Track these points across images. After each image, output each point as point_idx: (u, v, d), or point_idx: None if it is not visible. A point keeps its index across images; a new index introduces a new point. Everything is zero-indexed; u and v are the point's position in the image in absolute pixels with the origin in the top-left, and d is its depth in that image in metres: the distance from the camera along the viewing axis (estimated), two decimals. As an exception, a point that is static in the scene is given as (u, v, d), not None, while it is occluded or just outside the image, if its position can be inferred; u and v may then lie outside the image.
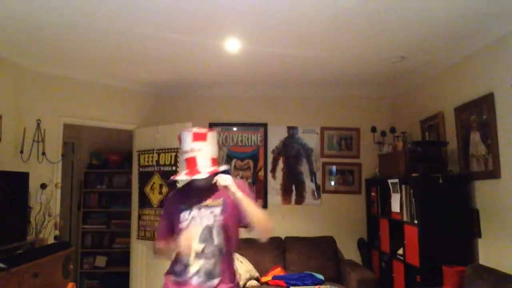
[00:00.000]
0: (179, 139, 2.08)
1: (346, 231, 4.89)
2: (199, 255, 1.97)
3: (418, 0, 2.68)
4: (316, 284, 3.99)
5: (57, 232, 4.04)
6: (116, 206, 5.67)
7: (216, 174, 1.96)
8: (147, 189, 4.54)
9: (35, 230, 3.77)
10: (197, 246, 1.97)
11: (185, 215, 2.02)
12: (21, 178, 3.54)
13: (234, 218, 2.03)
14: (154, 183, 4.48)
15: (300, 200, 4.98)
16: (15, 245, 3.27)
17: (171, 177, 2.09)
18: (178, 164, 4.30)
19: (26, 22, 3.06)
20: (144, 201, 4.55)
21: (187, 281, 1.97)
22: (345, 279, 4.28)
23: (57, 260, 3.44)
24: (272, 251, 4.54)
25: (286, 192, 4.99)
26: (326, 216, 4.94)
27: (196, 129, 2.04)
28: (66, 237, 5.40)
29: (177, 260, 2.05)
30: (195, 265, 1.97)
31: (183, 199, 2.09)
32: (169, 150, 4.39)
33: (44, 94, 4.14)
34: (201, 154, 1.99)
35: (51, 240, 3.89)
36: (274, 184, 4.99)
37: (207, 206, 2.03)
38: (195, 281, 1.96)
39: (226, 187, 1.89)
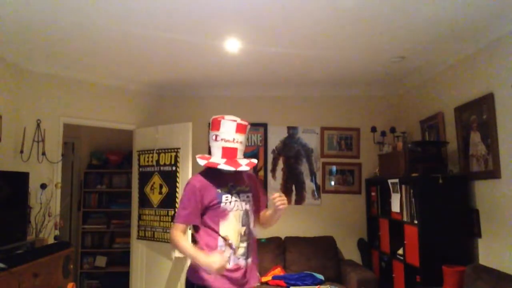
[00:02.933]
0: (216, 122, 2.07)
1: (346, 231, 4.89)
2: (242, 237, 2.05)
3: (418, 1, 2.68)
4: (316, 284, 3.99)
5: (57, 232, 4.04)
6: (116, 206, 5.67)
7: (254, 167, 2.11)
8: (147, 189, 4.54)
9: (35, 230, 3.77)
10: (241, 229, 2.06)
11: (228, 198, 2.05)
12: (21, 178, 3.54)
13: (257, 204, 2.21)
14: (154, 183, 4.48)
15: (300, 200, 4.98)
16: (15, 245, 3.28)
17: (208, 163, 2.03)
18: (177, 160, 4.29)
19: (26, 23, 3.05)
20: (144, 201, 4.55)
21: (238, 266, 2.03)
22: (345, 279, 4.28)
23: (57, 260, 3.44)
24: (272, 251, 4.54)
25: (286, 192, 4.99)
26: (326, 216, 4.95)
27: (239, 120, 2.08)
28: (66, 237, 5.40)
29: (224, 243, 2.04)
30: (241, 248, 2.05)
31: (216, 182, 2.08)
32: (169, 150, 4.39)
33: (44, 94, 4.14)
34: (241, 146, 2.08)
35: (51, 240, 3.89)
36: (274, 184, 4.99)
37: (243, 191, 2.11)
38: (242, 262, 2.05)
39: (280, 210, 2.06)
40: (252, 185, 2.22)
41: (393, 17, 2.95)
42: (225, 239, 2.01)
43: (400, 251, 3.83)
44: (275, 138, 5.05)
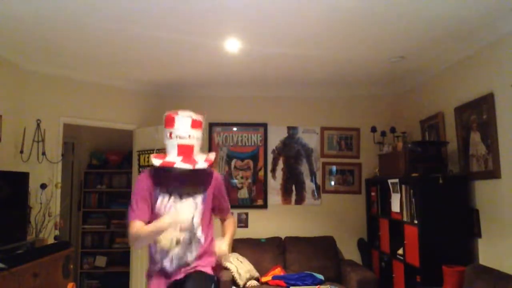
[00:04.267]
0: (170, 119, 1.96)
1: (346, 231, 4.89)
2: (178, 242, 1.95)
3: (418, 0, 2.68)
4: (316, 284, 3.99)
5: (57, 232, 4.04)
6: (116, 206, 5.67)
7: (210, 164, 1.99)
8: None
9: (35, 230, 3.77)
10: (178, 234, 1.94)
11: (164, 201, 1.97)
12: (21, 178, 3.53)
13: (210, 207, 2.09)
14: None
15: (300, 200, 4.98)
16: (15, 245, 3.27)
17: (163, 162, 1.92)
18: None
19: (26, 22, 3.05)
20: (144, 201, 4.55)
21: (164, 268, 1.97)
22: (345, 279, 4.28)
23: (57, 260, 3.44)
24: (272, 251, 4.54)
25: (286, 192, 4.99)
26: (326, 216, 4.94)
27: (193, 115, 1.97)
28: (66, 237, 5.40)
29: (156, 249, 1.99)
30: (173, 251, 1.96)
31: (159, 181, 2.00)
32: (169, 150, 4.39)
33: (44, 94, 4.14)
34: (197, 143, 1.98)
35: (51, 240, 3.89)
36: (274, 184, 4.99)
37: (188, 194, 1.99)
38: (169, 267, 1.96)
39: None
40: (213, 187, 2.09)
41: (393, 17, 2.95)
42: (156, 242, 1.94)
43: (400, 251, 3.83)
44: (275, 138, 5.05)
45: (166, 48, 3.64)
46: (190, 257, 1.99)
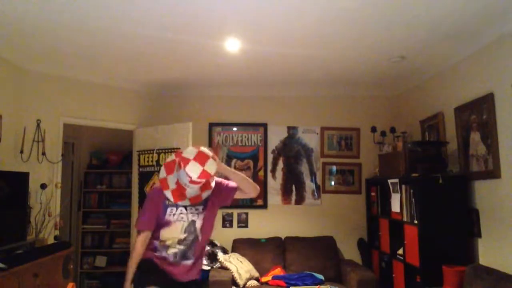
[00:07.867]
0: (179, 163, 2.21)
1: (346, 231, 4.89)
2: (180, 241, 2.32)
3: (418, 1, 2.68)
4: (316, 284, 3.98)
5: (57, 232, 4.04)
6: (116, 206, 5.67)
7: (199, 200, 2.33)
8: (147, 189, 4.54)
9: (35, 230, 3.77)
10: (181, 235, 2.33)
11: (172, 210, 2.31)
12: (21, 178, 3.53)
13: (214, 213, 2.44)
14: (154, 183, 4.48)
15: (300, 200, 4.98)
16: (15, 245, 3.27)
17: (159, 186, 2.33)
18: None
19: (26, 22, 3.06)
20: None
21: (166, 258, 2.32)
22: (345, 279, 4.29)
23: (57, 260, 3.44)
24: (272, 251, 4.54)
25: (286, 192, 4.99)
26: (326, 216, 4.94)
27: (195, 176, 2.15)
28: (66, 237, 5.40)
29: (159, 243, 2.33)
30: (175, 249, 2.32)
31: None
32: (169, 150, 4.39)
33: (44, 94, 4.14)
34: (191, 190, 2.26)
35: (51, 240, 3.89)
36: (274, 184, 4.99)
37: (191, 205, 2.33)
38: (171, 259, 2.32)
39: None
40: (213, 194, 2.39)
41: (393, 17, 2.95)
42: (161, 241, 2.32)
43: (400, 251, 3.83)
44: (275, 138, 5.05)
45: (166, 48, 3.64)
46: (191, 254, 2.35)
